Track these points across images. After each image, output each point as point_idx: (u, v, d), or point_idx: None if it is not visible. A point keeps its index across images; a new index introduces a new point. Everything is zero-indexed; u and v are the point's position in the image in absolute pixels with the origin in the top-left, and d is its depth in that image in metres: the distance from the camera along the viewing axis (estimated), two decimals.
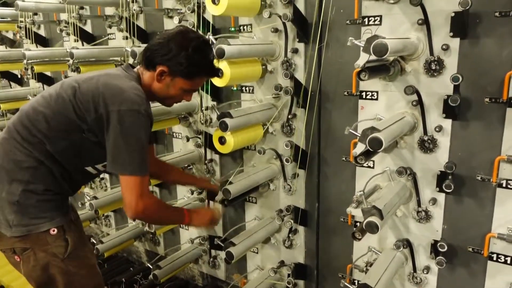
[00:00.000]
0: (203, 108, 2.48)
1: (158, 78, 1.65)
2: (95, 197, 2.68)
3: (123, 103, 1.52)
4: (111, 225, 3.41)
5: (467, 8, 1.50)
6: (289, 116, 2.14)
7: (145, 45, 2.53)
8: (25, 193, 1.60)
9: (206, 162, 2.58)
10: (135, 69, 1.72)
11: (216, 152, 2.55)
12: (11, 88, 3.90)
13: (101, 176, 3.28)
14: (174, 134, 2.73)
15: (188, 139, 2.58)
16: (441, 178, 1.76)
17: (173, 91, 1.69)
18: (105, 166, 1.69)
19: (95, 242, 2.77)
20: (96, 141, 1.61)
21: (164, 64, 1.62)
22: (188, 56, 1.60)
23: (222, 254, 2.18)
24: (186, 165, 2.64)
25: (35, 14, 3.29)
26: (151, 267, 2.64)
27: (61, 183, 1.67)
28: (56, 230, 1.63)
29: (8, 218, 1.61)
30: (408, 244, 1.90)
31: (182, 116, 2.58)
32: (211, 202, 2.35)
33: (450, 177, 1.72)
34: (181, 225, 2.79)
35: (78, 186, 1.83)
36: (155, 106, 1.98)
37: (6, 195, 1.60)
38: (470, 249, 1.77)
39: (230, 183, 2.06)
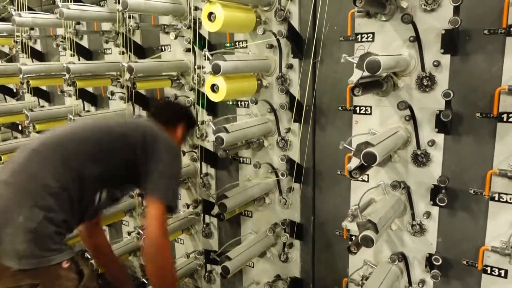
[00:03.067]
0: (198, 123, 2.50)
1: (177, 133, 2.06)
2: None
3: (172, 142, 1.86)
4: None
5: (457, 26, 1.54)
6: (284, 130, 2.16)
7: (142, 60, 2.59)
8: (44, 221, 1.49)
9: (201, 176, 2.58)
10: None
11: (212, 166, 2.56)
12: (6, 102, 3.90)
13: None
14: None
15: (184, 153, 2.59)
16: (434, 192, 1.78)
17: (182, 139, 2.12)
18: (111, 195, 1.82)
19: (89, 256, 2.74)
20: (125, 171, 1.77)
21: (183, 121, 2.09)
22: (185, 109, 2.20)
23: (218, 269, 2.17)
24: (182, 179, 2.64)
25: (32, 29, 3.31)
26: (146, 281, 2.61)
27: (74, 213, 1.65)
28: (68, 263, 1.54)
29: (18, 248, 1.46)
30: (403, 257, 1.91)
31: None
32: None
33: (443, 190, 1.74)
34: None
35: (81, 220, 1.81)
36: None
37: (23, 220, 1.47)
38: (465, 262, 1.78)
39: (226, 197, 2.06)
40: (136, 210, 2.98)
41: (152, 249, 1.68)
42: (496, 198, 1.66)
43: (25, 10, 3.08)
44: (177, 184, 1.84)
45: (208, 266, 2.72)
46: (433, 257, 1.82)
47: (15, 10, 2.99)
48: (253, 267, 2.51)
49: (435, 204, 1.78)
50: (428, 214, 1.82)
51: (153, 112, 2.16)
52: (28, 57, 3.38)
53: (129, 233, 3.01)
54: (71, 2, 2.53)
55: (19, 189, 1.55)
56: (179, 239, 2.86)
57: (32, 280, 1.50)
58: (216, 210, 2.09)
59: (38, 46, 3.51)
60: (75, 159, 1.64)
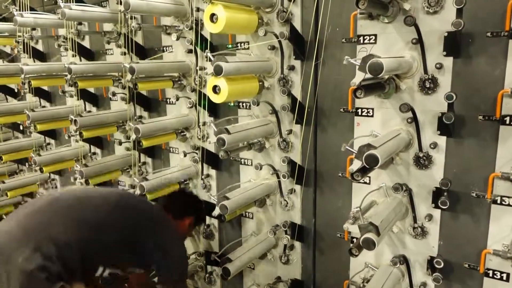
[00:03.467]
0: (200, 124, 2.50)
1: (185, 227, 2.28)
2: None
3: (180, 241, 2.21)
4: None
5: (460, 28, 1.54)
6: (286, 132, 2.16)
7: (143, 61, 2.59)
8: (41, 267, 1.58)
9: (202, 177, 2.58)
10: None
11: (213, 167, 2.56)
12: (7, 102, 3.90)
13: None
14: (171, 149, 2.74)
15: (185, 154, 2.58)
16: (436, 195, 1.77)
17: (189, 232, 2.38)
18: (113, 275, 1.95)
19: None
20: None
21: (191, 216, 2.31)
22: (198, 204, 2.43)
23: (219, 270, 2.18)
24: (183, 180, 2.64)
25: (34, 29, 3.31)
26: None
27: (73, 272, 1.71)
28: None
29: (12, 285, 1.56)
30: (404, 260, 1.90)
31: (179, 131, 2.59)
32: None
33: (445, 193, 1.74)
34: None
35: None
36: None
37: (22, 261, 1.57)
38: (466, 265, 1.77)
39: (227, 198, 2.06)
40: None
41: None
42: (499, 201, 1.65)
43: (27, 11, 3.08)
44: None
45: (209, 268, 2.72)
46: (434, 260, 1.81)
47: (17, 10, 2.99)
48: (253, 268, 2.51)
49: (437, 206, 1.77)
50: (430, 217, 1.81)
51: (166, 202, 2.30)
52: (30, 57, 3.38)
53: None
54: (73, 2, 2.53)
55: (28, 231, 1.65)
56: None
57: None
58: (217, 211, 2.08)
59: (39, 46, 3.51)
60: (89, 224, 1.75)
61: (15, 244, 1.61)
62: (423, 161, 1.78)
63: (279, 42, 2.03)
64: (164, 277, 2.05)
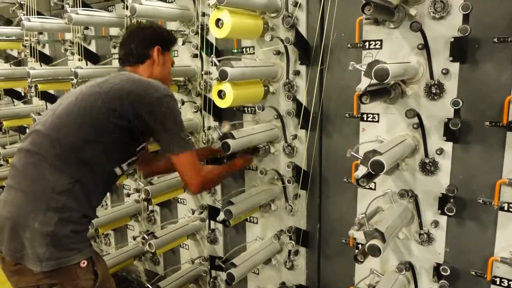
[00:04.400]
0: (205, 128, 2.50)
1: (156, 60, 1.83)
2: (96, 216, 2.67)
3: (158, 91, 1.64)
4: (110, 244, 3.39)
5: (466, 34, 1.53)
6: (291, 137, 2.16)
7: None
8: (60, 222, 1.51)
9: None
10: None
11: None
12: (14, 105, 3.93)
13: None
14: None
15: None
16: (442, 201, 1.76)
17: (168, 65, 1.91)
18: (130, 164, 1.77)
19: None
20: (127, 138, 1.67)
21: (158, 44, 1.84)
22: (159, 30, 1.91)
23: (223, 275, 2.17)
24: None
25: (40, 33, 3.34)
26: (151, 287, 2.61)
27: (91, 201, 1.64)
28: (86, 262, 1.55)
29: (38, 252, 1.48)
30: (410, 267, 1.89)
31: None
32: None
33: (452, 200, 1.72)
34: None
35: (101, 201, 1.80)
36: None
37: (39, 225, 1.49)
38: (473, 273, 1.75)
39: (232, 203, 2.05)
40: (141, 215, 2.98)
41: (204, 190, 1.94)
42: (506, 208, 1.63)
43: (34, 15, 3.11)
44: (183, 127, 1.72)
45: (213, 272, 2.71)
46: (441, 267, 1.80)
47: (24, 15, 3.02)
48: (258, 274, 2.50)
49: (443, 213, 1.76)
50: (436, 223, 1.80)
51: (121, 59, 1.86)
52: (37, 61, 3.41)
53: (134, 238, 3.02)
54: (79, 7, 2.55)
55: (29, 195, 1.54)
56: (184, 245, 2.86)
57: (51, 281, 1.51)
58: (221, 216, 2.08)
59: (46, 51, 3.54)
60: (71, 151, 1.56)
61: (26, 212, 1.52)
62: (429, 167, 1.77)
63: (285, 47, 2.03)
64: (166, 144, 1.69)
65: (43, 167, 1.55)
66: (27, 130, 3.86)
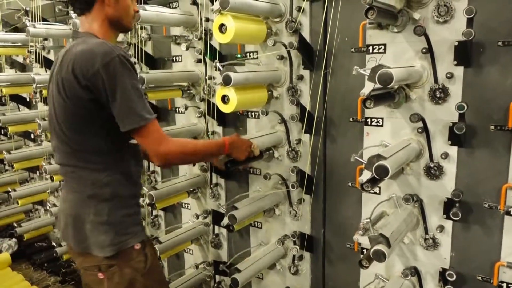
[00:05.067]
0: (209, 133, 2.51)
1: (108, 2, 1.61)
2: None
3: (94, 61, 1.46)
4: None
5: (470, 38, 1.53)
6: (295, 142, 2.15)
7: (153, 70, 2.61)
8: (112, 211, 1.63)
9: (211, 186, 2.58)
10: (81, 31, 1.66)
11: (222, 176, 2.56)
12: (19, 110, 3.95)
13: None
14: None
15: (194, 164, 2.58)
16: (448, 206, 1.75)
17: (124, 3, 1.65)
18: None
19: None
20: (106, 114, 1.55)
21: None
22: None
23: (227, 280, 2.16)
24: (192, 189, 2.64)
25: (45, 39, 3.36)
26: None
27: (132, 180, 1.71)
28: (139, 245, 1.68)
29: (99, 240, 1.61)
30: (416, 272, 1.88)
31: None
32: None
33: (457, 204, 1.71)
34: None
35: (140, 172, 1.81)
36: None
37: (94, 217, 1.62)
38: (479, 278, 1.74)
39: (236, 208, 2.05)
40: (146, 220, 2.98)
41: (169, 162, 1.67)
42: None
43: (39, 21, 3.14)
44: (139, 92, 1.53)
45: (217, 277, 2.70)
46: (446, 272, 1.78)
47: (29, 21, 3.05)
48: (262, 279, 2.49)
49: (448, 218, 1.75)
50: (441, 228, 1.79)
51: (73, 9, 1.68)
52: (42, 67, 3.43)
53: None
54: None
55: (77, 191, 1.65)
56: (188, 249, 2.85)
57: (109, 261, 1.63)
58: (225, 221, 2.08)
59: (51, 56, 3.56)
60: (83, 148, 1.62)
61: (80, 208, 1.64)
62: (434, 172, 1.76)
63: (288, 52, 2.04)
64: (122, 116, 1.53)
65: (78, 171, 1.64)
66: (32, 136, 3.90)
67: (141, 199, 1.87)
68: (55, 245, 3.50)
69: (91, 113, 1.54)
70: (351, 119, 1.97)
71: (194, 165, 2.60)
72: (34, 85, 2.97)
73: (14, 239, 4.06)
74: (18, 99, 3.89)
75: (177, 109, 2.69)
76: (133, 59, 2.63)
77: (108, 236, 1.61)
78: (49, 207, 3.14)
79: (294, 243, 2.24)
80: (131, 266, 1.66)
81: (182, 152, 1.67)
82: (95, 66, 1.46)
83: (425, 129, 1.73)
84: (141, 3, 2.22)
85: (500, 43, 1.56)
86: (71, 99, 1.53)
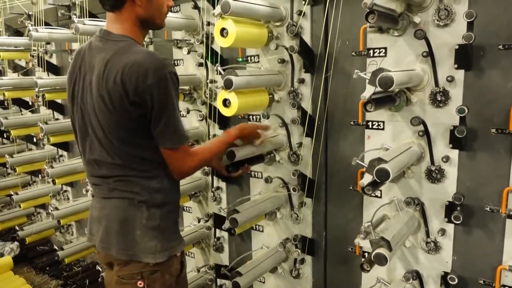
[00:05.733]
0: (210, 136, 2.51)
1: (139, 2, 1.51)
2: None
3: (147, 75, 1.41)
4: None
5: (471, 42, 1.53)
6: (296, 145, 2.16)
7: None
8: (163, 216, 1.63)
9: (213, 189, 2.58)
10: (113, 31, 1.55)
11: (223, 180, 2.56)
12: (21, 114, 3.97)
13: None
14: None
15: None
16: (449, 209, 1.74)
17: (156, 3, 1.56)
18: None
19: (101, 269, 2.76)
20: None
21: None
22: None
23: (229, 284, 2.16)
24: (193, 193, 2.65)
25: (48, 43, 3.38)
26: None
27: (177, 181, 1.70)
28: (179, 252, 1.69)
29: (150, 245, 1.58)
30: (417, 275, 1.87)
31: (190, 143, 2.60)
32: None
33: (458, 208, 1.71)
34: None
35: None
36: None
37: (146, 221, 1.59)
38: (481, 282, 1.73)
39: (237, 211, 2.05)
40: None
41: (190, 174, 1.68)
42: None
43: (42, 25, 3.16)
44: (177, 114, 1.52)
45: (219, 281, 2.70)
46: (448, 276, 1.78)
47: (32, 25, 3.06)
48: (264, 282, 2.49)
49: (450, 221, 1.74)
50: (443, 232, 1.78)
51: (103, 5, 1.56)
52: (44, 71, 3.45)
53: None
54: (86, 18, 2.59)
55: (126, 198, 1.60)
56: (189, 253, 2.85)
57: (153, 268, 1.60)
58: (227, 224, 2.08)
59: (54, 60, 3.58)
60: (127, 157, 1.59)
61: (133, 212, 1.60)
62: (435, 175, 1.76)
63: (290, 55, 2.04)
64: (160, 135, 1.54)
65: (130, 185, 1.61)
66: (34, 139, 3.91)
67: None
68: (57, 248, 3.49)
69: (139, 125, 1.51)
70: (352, 123, 1.98)
71: None
72: (37, 89, 2.99)
73: (16, 243, 4.08)
74: (21, 103, 3.91)
75: None
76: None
77: (159, 242, 1.59)
78: (51, 210, 3.14)
79: (296, 246, 2.24)
80: (171, 273, 1.65)
81: (200, 165, 1.71)
82: (146, 82, 1.42)
83: (426, 133, 1.73)
84: None
85: (500, 47, 1.56)
86: (119, 112, 1.47)
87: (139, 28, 1.59)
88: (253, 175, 2.39)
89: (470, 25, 1.57)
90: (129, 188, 1.58)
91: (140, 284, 1.59)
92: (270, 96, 2.17)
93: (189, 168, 1.62)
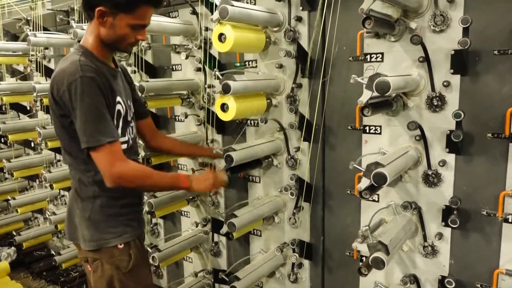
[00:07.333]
0: (208, 141, 2.52)
1: (101, 21, 1.61)
2: None
3: (63, 81, 1.57)
4: None
5: (466, 47, 1.55)
6: (294, 149, 2.16)
7: (153, 79, 2.62)
8: (96, 209, 1.74)
9: (210, 194, 2.58)
10: (80, 43, 1.72)
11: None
12: (19, 119, 3.97)
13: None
14: (180, 166, 2.76)
15: (193, 171, 2.59)
16: (446, 213, 1.75)
17: (120, 31, 1.62)
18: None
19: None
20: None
21: (101, 4, 1.57)
22: None
23: None
24: (191, 197, 2.65)
25: (46, 48, 3.39)
26: None
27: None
28: (123, 244, 1.76)
29: (84, 233, 1.75)
30: (415, 279, 1.88)
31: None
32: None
33: (455, 211, 1.72)
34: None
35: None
36: None
37: (79, 212, 1.76)
38: (479, 285, 1.74)
39: (235, 216, 2.05)
40: (145, 228, 2.97)
41: (118, 185, 1.63)
42: (510, 220, 1.62)
43: (40, 30, 3.16)
44: (95, 117, 1.57)
45: (217, 286, 2.70)
46: (446, 280, 1.78)
47: (30, 30, 3.07)
48: (262, 287, 2.48)
49: (447, 225, 1.75)
50: (440, 236, 1.79)
51: None
52: (42, 76, 3.45)
53: None
54: (84, 23, 2.59)
55: (72, 187, 1.83)
56: (187, 258, 2.85)
57: (94, 255, 1.76)
58: (225, 229, 2.08)
59: (52, 65, 3.58)
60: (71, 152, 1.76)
61: (72, 203, 1.85)
62: (432, 179, 1.77)
63: (286, 60, 2.06)
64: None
65: (72, 176, 1.81)
66: (32, 144, 3.91)
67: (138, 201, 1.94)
68: (54, 253, 3.49)
69: (63, 124, 1.67)
70: (349, 127, 1.99)
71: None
72: (35, 94, 2.99)
73: (13, 248, 4.05)
74: (19, 108, 3.90)
75: (176, 117, 2.70)
76: (132, 68, 2.66)
77: (89, 232, 1.74)
78: (48, 215, 3.14)
79: (294, 250, 2.24)
80: (112, 263, 1.75)
81: (133, 177, 1.67)
82: (63, 87, 1.58)
83: (422, 137, 1.74)
84: None
85: (496, 52, 1.58)
86: (51, 110, 1.70)
87: (100, 45, 1.71)
88: (251, 180, 2.40)
89: (465, 31, 1.59)
90: (73, 179, 1.80)
91: (89, 268, 1.80)
92: (268, 100, 2.18)
93: (117, 173, 1.60)
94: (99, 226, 1.74)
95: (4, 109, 3.89)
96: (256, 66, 2.25)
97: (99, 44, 1.69)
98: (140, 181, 1.70)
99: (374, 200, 1.95)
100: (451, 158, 1.73)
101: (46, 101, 3.06)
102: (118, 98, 1.72)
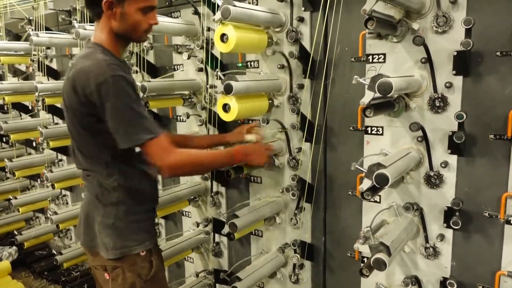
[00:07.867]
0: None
1: (110, 14, 1.58)
2: None
3: (89, 81, 1.51)
4: None
5: (469, 48, 1.54)
6: (295, 150, 2.16)
7: (155, 79, 2.63)
8: (119, 216, 1.69)
9: (212, 194, 2.58)
10: (92, 39, 1.68)
11: (223, 184, 2.56)
12: (21, 119, 3.98)
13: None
14: None
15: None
16: (448, 214, 1.75)
17: (131, 18, 1.60)
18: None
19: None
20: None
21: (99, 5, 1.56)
22: None
23: None
24: (192, 197, 2.65)
25: (48, 48, 3.39)
26: None
27: (143, 182, 1.77)
28: (145, 252, 1.73)
29: (105, 241, 1.69)
30: (416, 281, 1.87)
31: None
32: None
33: (457, 213, 1.71)
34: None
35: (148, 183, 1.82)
36: None
37: (101, 219, 1.70)
38: (480, 287, 1.73)
39: (236, 216, 2.05)
40: None
41: (176, 175, 1.79)
42: None
43: (42, 30, 3.17)
44: (137, 114, 1.55)
45: (218, 286, 2.69)
46: (447, 281, 1.78)
47: (32, 30, 3.08)
48: (263, 287, 2.48)
49: (448, 226, 1.75)
50: (441, 237, 1.79)
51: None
52: (44, 76, 3.46)
53: None
54: (87, 23, 2.60)
55: (89, 193, 1.75)
56: (189, 258, 2.85)
57: (115, 263, 1.71)
58: (226, 229, 2.08)
59: (54, 65, 3.59)
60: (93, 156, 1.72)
61: (91, 208, 1.75)
62: (434, 180, 1.77)
63: (287, 61, 2.05)
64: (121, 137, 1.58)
65: (89, 182, 1.75)
66: (34, 144, 3.92)
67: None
68: (55, 253, 3.49)
69: (87, 125, 1.62)
70: (351, 128, 1.98)
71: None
72: (37, 93, 2.99)
73: (14, 247, 4.06)
74: (20, 107, 3.91)
75: (178, 118, 2.70)
76: (134, 68, 2.66)
77: (112, 240, 1.68)
78: (50, 215, 3.14)
79: (295, 251, 2.24)
80: (134, 271, 1.71)
81: (185, 163, 1.66)
82: (90, 87, 1.52)
83: (424, 138, 1.74)
84: None
85: (498, 53, 1.57)
86: (73, 112, 1.63)
87: (114, 39, 1.67)
88: (252, 180, 2.40)
89: (468, 32, 1.58)
90: (91, 184, 1.73)
91: (107, 276, 1.73)
92: (270, 101, 2.18)
93: (169, 165, 1.60)
94: (123, 233, 1.69)
95: (6, 109, 3.89)
96: (258, 67, 2.24)
97: (113, 40, 1.66)
98: (195, 167, 1.74)
99: (375, 201, 1.95)
100: (453, 159, 1.72)
101: (48, 101, 3.08)
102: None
